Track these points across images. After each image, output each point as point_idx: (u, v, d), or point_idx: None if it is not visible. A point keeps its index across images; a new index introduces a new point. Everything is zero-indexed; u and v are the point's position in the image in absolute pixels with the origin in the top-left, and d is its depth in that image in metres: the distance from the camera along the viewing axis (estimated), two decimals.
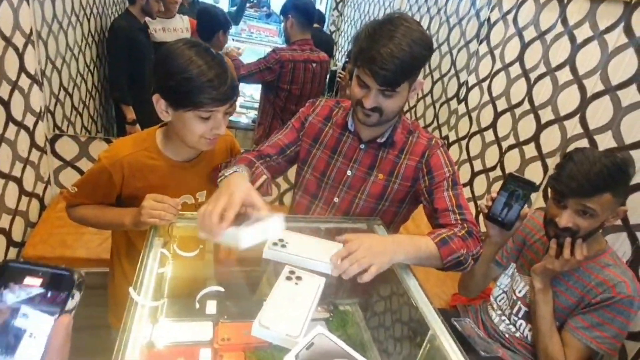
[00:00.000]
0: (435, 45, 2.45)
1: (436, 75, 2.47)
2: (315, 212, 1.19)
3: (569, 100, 1.55)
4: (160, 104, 0.96)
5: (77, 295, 0.32)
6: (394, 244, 0.92)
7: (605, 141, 1.40)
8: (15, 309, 0.31)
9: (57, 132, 1.91)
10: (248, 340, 0.86)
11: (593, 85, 1.47)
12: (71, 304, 0.32)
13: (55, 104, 1.92)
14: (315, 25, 2.78)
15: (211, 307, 1.02)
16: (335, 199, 1.15)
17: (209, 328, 0.94)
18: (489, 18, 2.04)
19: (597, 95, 1.45)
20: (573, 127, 1.53)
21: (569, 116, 1.55)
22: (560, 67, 1.61)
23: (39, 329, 0.30)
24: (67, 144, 1.91)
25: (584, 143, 1.47)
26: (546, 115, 1.65)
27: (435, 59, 2.47)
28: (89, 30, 2.36)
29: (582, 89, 1.51)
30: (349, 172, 1.13)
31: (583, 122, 1.49)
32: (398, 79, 0.93)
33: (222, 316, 0.97)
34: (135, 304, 0.77)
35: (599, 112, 1.43)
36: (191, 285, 1.05)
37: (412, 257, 0.92)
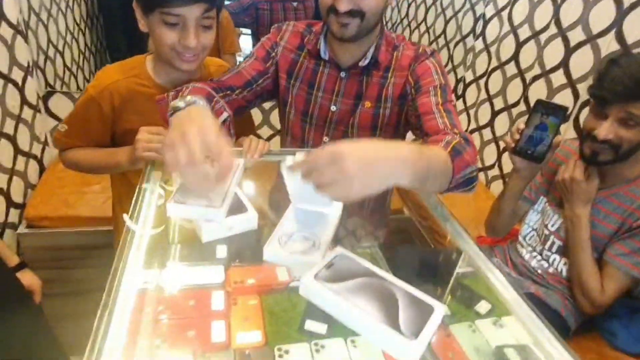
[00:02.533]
0: None
1: (449, 12, 2.29)
2: None
3: (603, 15, 1.39)
4: (137, 12, 0.86)
5: None
6: (396, 160, 0.55)
7: None
8: None
9: (49, 89, 1.81)
10: (263, 282, 0.79)
11: None
12: None
13: (45, 61, 1.82)
14: None
15: (221, 251, 0.95)
16: (325, 139, 1.02)
17: (220, 271, 0.88)
18: None
19: (635, 5, 1.29)
20: (607, 44, 1.37)
21: (603, 33, 1.39)
22: None
23: None
24: (61, 102, 1.82)
25: None
26: (576, 36, 1.50)
27: None
28: None
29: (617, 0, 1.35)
30: (333, 108, 0.98)
31: (620, 38, 1.34)
32: None
33: (233, 260, 0.90)
34: (132, 233, 0.69)
35: (638, 24, 1.28)
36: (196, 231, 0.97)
37: (421, 177, 0.59)
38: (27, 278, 1.09)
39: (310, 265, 0.65)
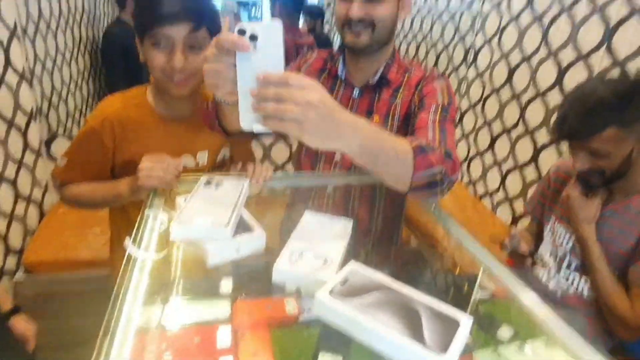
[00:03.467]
0: None
1: (440, 46, 2.37)
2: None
3: (592, 32, 1.43)
4: (138, 45, 0.88)
5: None
6: (349, 125, 0.58)
7: None
8: None
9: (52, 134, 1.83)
10: (272, 315, 0.75)
11: None
12: None
13: (49, 107, 1.85)
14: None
15: (226, 285, 0.91)
16: (337, 157, 1.03)
17: (226, 306, 0.83)
18: None
19: (624, 21, 1.33)
20: (600, 61, 1.40)
21: (594, 50, 1.42)
22: None
23: None
24: (64, 147, 1.82)
25: None
26: (567, 56, 1.53)
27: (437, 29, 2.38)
28: (80, 37, 2.32)
29: None
30: None
31: (612, 53, 1.36)
32: None
33: (239, 294, 0.86)
34: (134, 260, 0.65)
35: (629, 36, 1.31)
36: (200, 262, 0.93)
37: (370, 153, 0.62)
38: (21, 324, 1.03)
39: (323, 283, 0.61)
